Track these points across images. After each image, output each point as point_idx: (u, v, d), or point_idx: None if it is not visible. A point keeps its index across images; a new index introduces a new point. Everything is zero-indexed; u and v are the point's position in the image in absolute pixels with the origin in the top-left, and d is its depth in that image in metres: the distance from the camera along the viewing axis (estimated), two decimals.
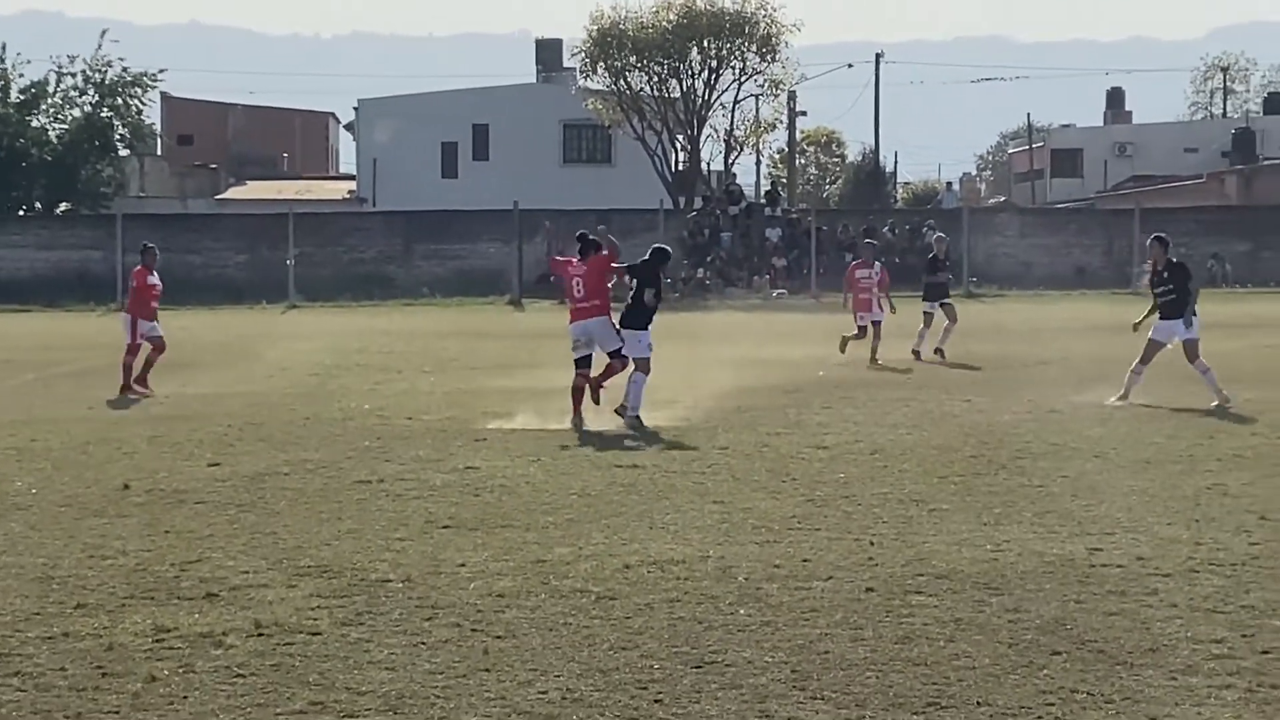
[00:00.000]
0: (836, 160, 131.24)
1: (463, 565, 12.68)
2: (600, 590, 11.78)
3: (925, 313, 32.49)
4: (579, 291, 22.46)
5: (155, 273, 28.29)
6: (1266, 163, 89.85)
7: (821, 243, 65.71)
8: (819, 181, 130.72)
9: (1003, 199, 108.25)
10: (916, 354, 31.54)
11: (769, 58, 73.39)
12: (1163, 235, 24.82)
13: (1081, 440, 19.43)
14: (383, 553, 13.21)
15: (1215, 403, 22.59)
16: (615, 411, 21.79)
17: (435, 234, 68.72)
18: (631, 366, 22.07)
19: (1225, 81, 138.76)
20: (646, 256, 22.94)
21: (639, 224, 67.98)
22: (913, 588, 11.76)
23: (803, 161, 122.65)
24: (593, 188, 77.68)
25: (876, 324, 31.57)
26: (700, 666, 9.82)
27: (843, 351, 30.92)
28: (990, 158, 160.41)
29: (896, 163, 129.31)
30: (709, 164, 78.02)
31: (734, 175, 77.57)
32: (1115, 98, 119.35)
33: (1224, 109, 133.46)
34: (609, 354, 22.36)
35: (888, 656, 9.98)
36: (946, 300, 32.77)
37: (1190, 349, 23.47)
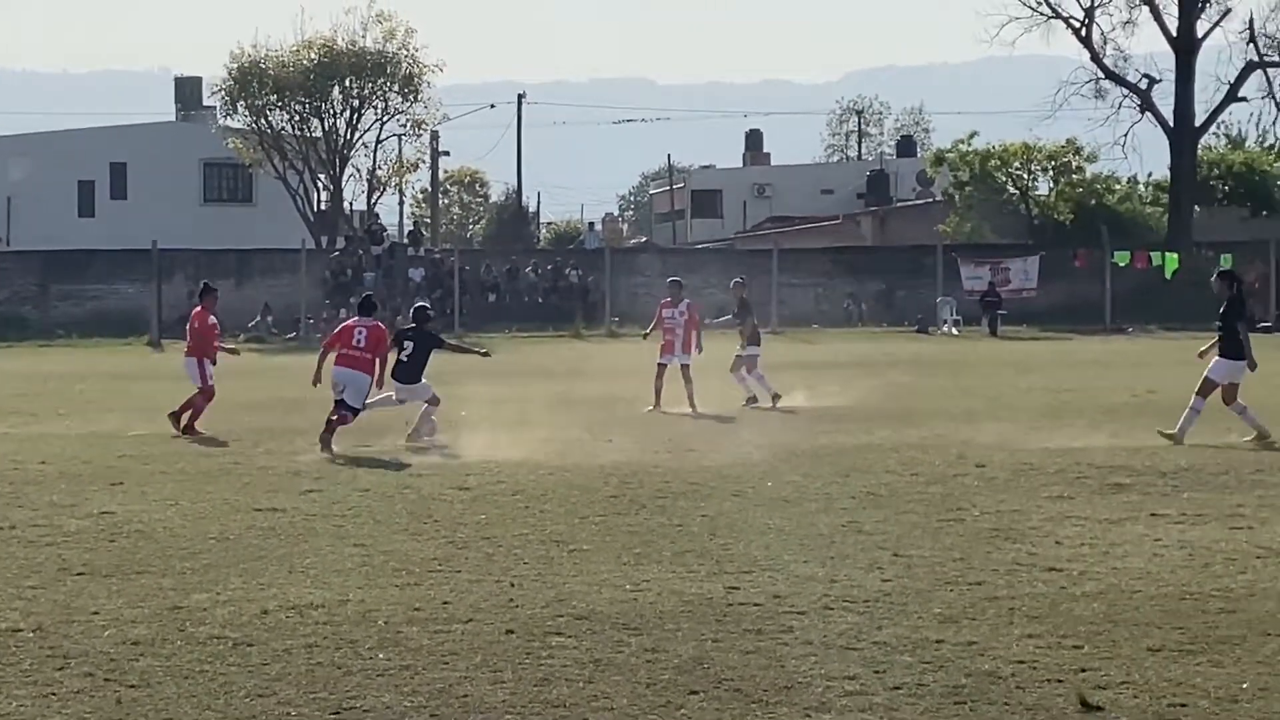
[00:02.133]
0: (480, 200, 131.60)
1: (96, 613, 12.33)
2: (238, 636, 11.55)
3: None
4: (359, 340, 24.04)
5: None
6: (900, 204, 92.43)
7: (465, 283, 65.73)
8: (462, 221, 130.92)
9: (644, 239, 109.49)
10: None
11: (411, 97, 73.31)
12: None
13: (720, 479, 19.65)
14: (13, 601, 12.79)
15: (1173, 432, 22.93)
16: (408, 440, 23.83)
17: (72, 274, 67.22)
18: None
19: (860, 124, 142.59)
20: (412, 322, 25.21)
21: (281, 264, 67.38)
22: (552, 629, 11.75)
23: (446, 201, 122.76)
24: (234, 227, 76.73)
25: (685, 367, 30.20)
26: (338, 712, 9.67)
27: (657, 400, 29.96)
28: (632, 198, 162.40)
29: (539, 203, 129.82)
30: (351, 203, 77.63)
31: (377, 215, 77.24)
32: (753, 139, 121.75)
33: (859, 151, 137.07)
34: (346, 406, 23.76)
35: (527, 699, 9.95)
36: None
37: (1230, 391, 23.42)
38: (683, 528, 16.17)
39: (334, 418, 23.56)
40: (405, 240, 76.07)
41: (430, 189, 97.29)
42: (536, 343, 56.76)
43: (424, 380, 24.91)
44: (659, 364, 30.33)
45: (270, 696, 10.02)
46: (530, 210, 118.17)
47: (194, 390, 26.59)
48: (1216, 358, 23.59)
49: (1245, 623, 11.79)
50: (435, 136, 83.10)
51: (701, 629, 11.73)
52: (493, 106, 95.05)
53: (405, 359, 24.83)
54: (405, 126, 74.96)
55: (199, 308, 27.61)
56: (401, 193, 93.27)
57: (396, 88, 72.82)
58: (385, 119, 73.39)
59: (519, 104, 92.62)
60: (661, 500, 18.01)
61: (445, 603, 12.65)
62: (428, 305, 26.59)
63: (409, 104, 73.67)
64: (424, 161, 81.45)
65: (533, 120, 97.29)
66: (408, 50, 72.89)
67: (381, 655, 11.00)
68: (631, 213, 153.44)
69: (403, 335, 25.37)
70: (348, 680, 10.38)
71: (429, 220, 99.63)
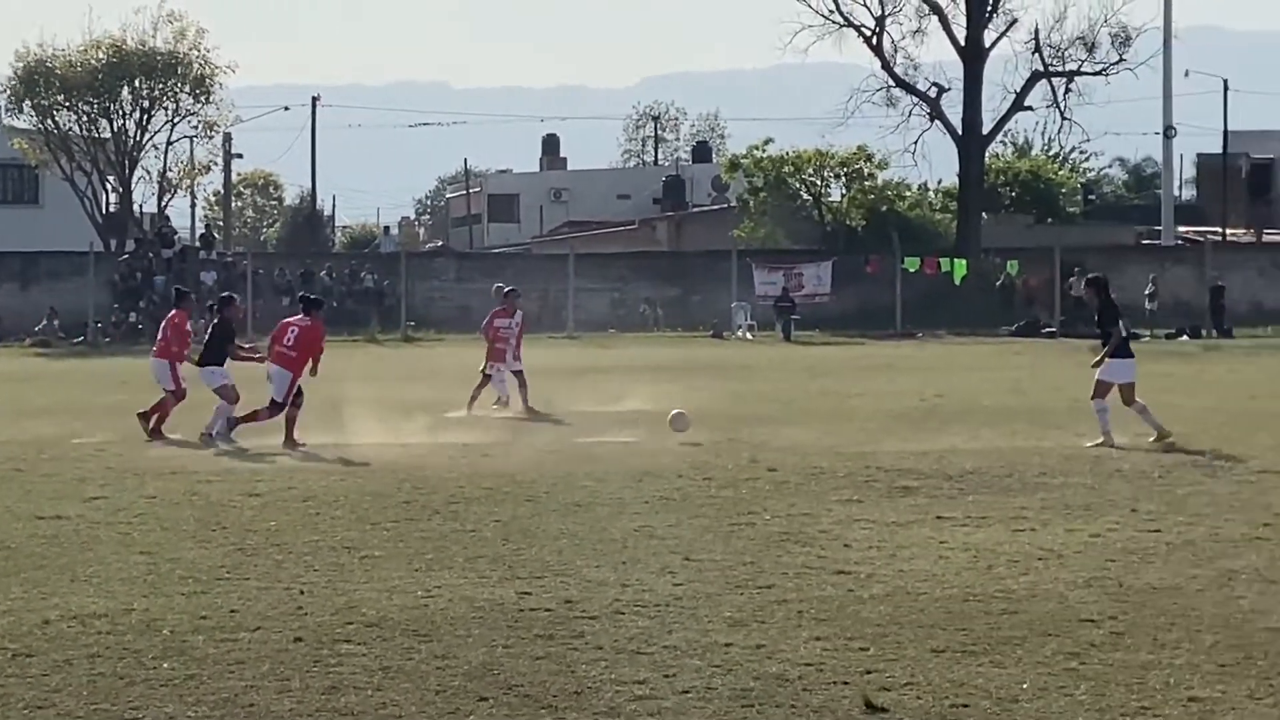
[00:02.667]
0: (274, 203, 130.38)
1: None
2: (17, 648, 11.33)
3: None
4: (289, 340, 24.70)
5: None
6: (696, 210, 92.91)
7: (258, 286, 65.08)
8: (256, 224, 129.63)
9: (441, 243, 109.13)
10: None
11: (203, 99, 72.34)
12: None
13: (514, 484, 19.62)
14: None
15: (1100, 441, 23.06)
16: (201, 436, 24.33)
17: None
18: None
19: (656, 130, 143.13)
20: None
21: (68, 267, 66.28)
22: (342, 636, 11.66)
23: (239, 204, 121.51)
24: (19, 229, 75.20)
25: (519, 373, 30.13)
26: None
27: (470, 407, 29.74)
28: (429, 202, 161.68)
29: (335, 206, 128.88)
30: (142, 206, 76.50)
31: (167, 218, 76.10)
32: (550, 144, 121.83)
33: (655, 157, 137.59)
34: (270, 401, 24.44)
35: (314, 707, 9.86)
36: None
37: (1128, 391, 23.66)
38: (475, 533, 16.13)
39: (260, 412, 24.51)
40: (197, 243, 75.07)
41: (223, 191, 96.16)
42: (331, 347, 56.21)
43: (216, 368, 25.23)
44: (485, 373, 30.31)
45: (50, 708, 9.85)
46: (325, 213, 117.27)
47: (165, 393, 26.21)
48: (1107, 360, 23.89)
49: (1026, 624, 11.99)
50: (228, 138, 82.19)
51: (492, 635, 11.71)
52: (286, 109, 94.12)
53: (207, 340, 25.72)
54: (197, 128, 74.04)
55: (178, 311, 27.21)
56: (193, 195, 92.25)
57: (188, 89, 71.84)
58: (176, 120, 72.40)
59: (313, 106, 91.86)
60: (455, 505, 17.95)
61: (233, 611, 12.51)
62: (233, 295, 27.87)
63: (200, 105, 72.74)
64: (216, 164, 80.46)
65: (328, 123, 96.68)
66: (199, 51, 71.94)
67: (166, 665, 10.86)
68: (428, 217, 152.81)
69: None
70: (130, 691, 10.23)
71: (221, 223, 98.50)
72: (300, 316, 25.20)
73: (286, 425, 24.18)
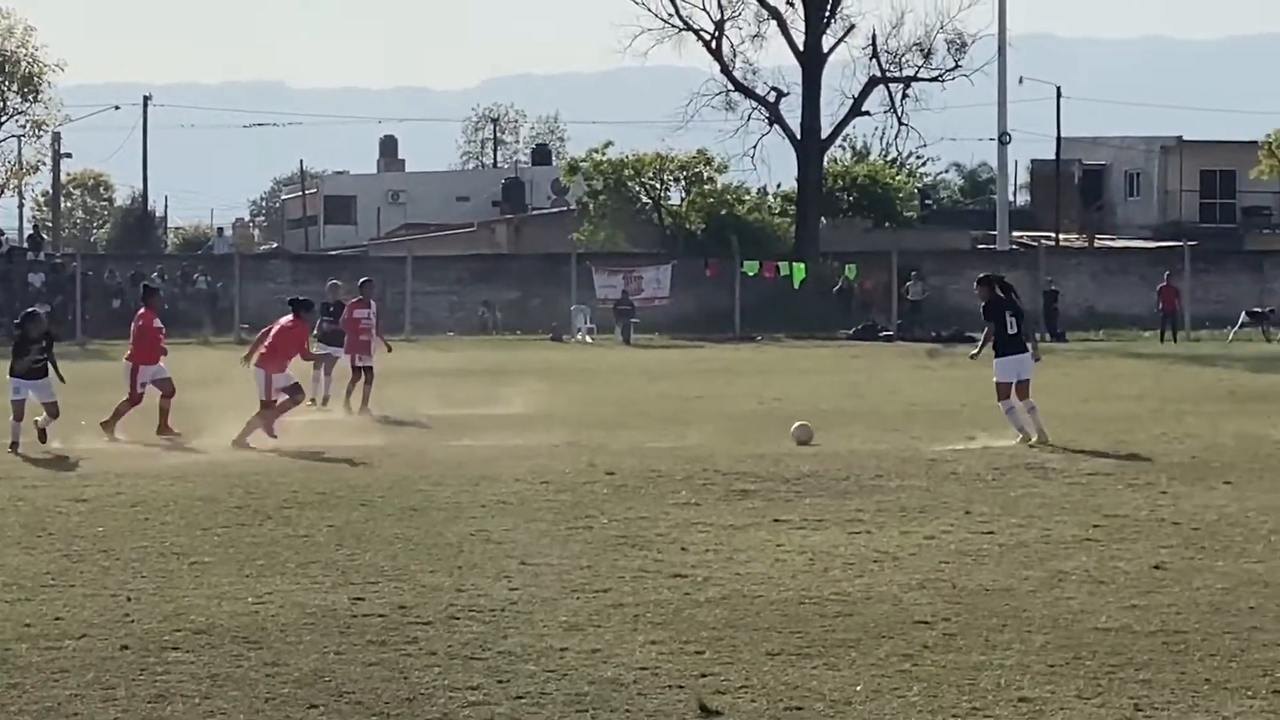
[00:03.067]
0: (104, 204, 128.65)
1: None
2: None
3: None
4: (269, 340, 25.16)
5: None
6: (535, 212, 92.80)
7: (88, 288, 64.12)
8: (86, 225, 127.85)
9: (276, 245, 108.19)
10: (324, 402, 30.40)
11: (31, 97, 71.32)
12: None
13: (348, 488, 19.43)
14: None
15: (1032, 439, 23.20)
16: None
17: None
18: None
19: (496, 132, 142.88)
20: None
21: None
22: (170, 644, 11.47)
23: (69, 205, 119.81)
24: None
25: (369, 369, 30.14)
26: None
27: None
28: (264, 203, 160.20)
29: (167, 207, 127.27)
30: None
31: None
32: (388, 145, 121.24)
33: (495, 159, 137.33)
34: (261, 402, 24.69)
35: (140, 716, 9.70)
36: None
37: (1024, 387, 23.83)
38: (308, 538, 15.95)
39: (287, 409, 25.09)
40: (24, 244, 73.87)
41: (51, 192, 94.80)
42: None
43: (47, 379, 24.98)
44: (355, 369, 30.22)
45: None
46: (157, 214, 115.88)
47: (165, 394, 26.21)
48: (994, 359, 24.17)
49: (861, 626, 12.02)
50: (57, 138, 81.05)
51: (324, 641, 11.56)
52: (117, 108, 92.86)
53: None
54: (25, 127, 72.98)
55: (144, 309, 26.80)
56: (21, 196, 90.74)
57: (15, 87, 70.77)
58: (3, 119, 71.29)
59: (145, 106, 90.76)
60: (287, 510, 17.75)
61: (58, 618, 12.28)
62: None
63: (29, 104, 71.72)
64: (45, 164, 79.45)
65: (160, 122, 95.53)
66: (27, 49, 70.93)
67: None
68: (263, 218, 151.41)
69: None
70: None
71: (50, 224, 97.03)
72: (288, 318, 25.38)
73: (160, 415, 24.88)
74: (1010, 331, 24.14)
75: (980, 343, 24.92)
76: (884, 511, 17.54)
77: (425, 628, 12.00)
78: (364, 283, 32.14)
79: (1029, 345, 24.51)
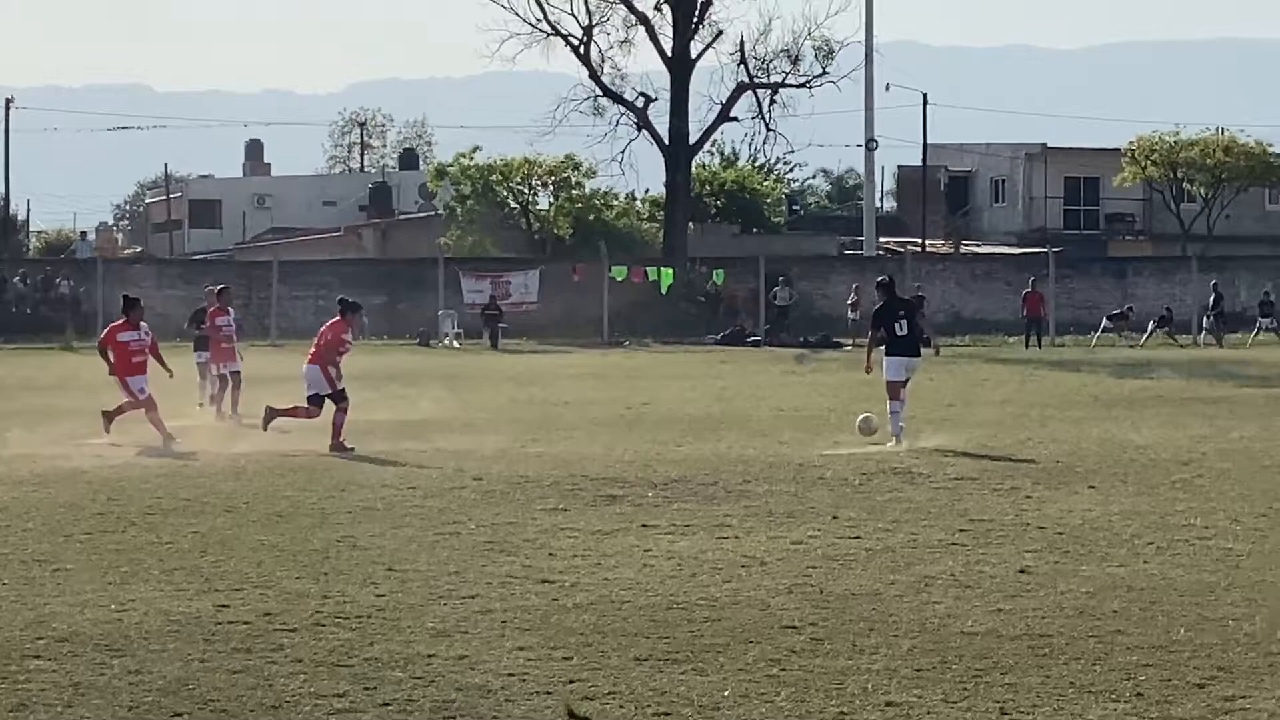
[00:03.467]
0: None
1: None
2: None
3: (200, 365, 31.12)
4: (317, 341, 25.62)
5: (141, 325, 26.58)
6: (402, 217, 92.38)
7: None
8: None
9: (140, 249, 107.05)
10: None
11: None
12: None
13: (213, 495, 19.26)
14: None
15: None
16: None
17: None
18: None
19: (363, 136, 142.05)
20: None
21: None
22: (31, 652, 11.32)
23: None
24: None
25: (236, 374, 30.09)
26: None
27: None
28: (128, 207, 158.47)
29: (29, 211, 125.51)
30: None
31: None
32: (254, 149, 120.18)
33: (361, 163, 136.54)
34: (307, 399, 25.05)
35: None
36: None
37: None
38: (173, 545, 15.79)
39: (278, 410, 25.52)
40: None
41: None
42: (27, 355, 54.88)
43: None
44: (219, 376, 30.10)
45: None
46: (19, 218, 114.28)
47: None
48: (885, 358, 24.72)
49: (729, 631, 12.05)
50: None
51: (188, 649, 11.45)
52: None
53: None
54: None
55: (123, 320, 26.42)
56: None
57: None
58: None
59: (6, 109, 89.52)
60: (151, 517, 17.56)
61: None
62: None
63: None
64: None
65: (22, 125, 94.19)
66: None
67: None
68: (127, 222, 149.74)
69: None
70: None
71: None
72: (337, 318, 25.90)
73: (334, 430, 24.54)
74: (900, 333, 24.61)
75: (868, 350, 25.53)
76: (751, 516, 17.60)
77: (291, 635, 11.91)
78: (220, 289, 32.07)
79: (925, 344, 25.24)
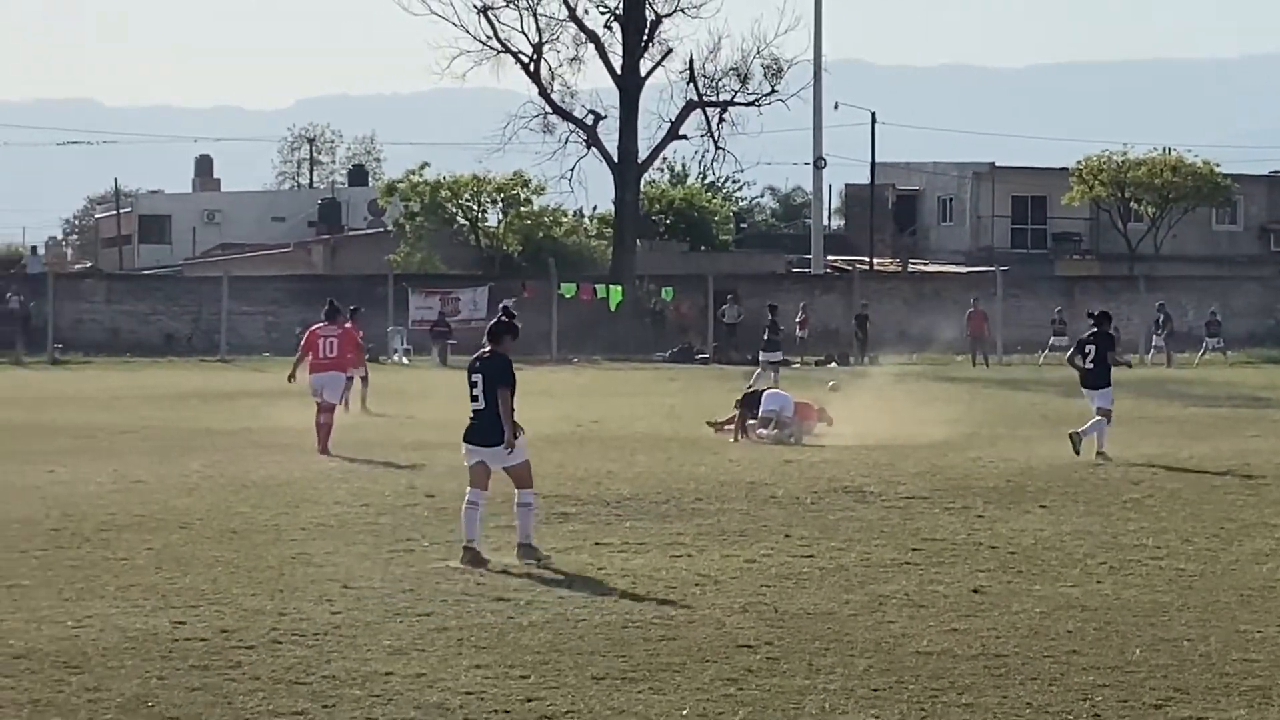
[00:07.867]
0: None
1: None
2: None
3: None
4: (327, 351, 26.78)
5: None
6: (352, 233, 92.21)
7: None
8: None
9: (89, 264, 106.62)
10: None
11: None
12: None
13: (168, 511, 19.23)
14: None
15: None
16: None
17: None
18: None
19: (312, 152, 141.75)
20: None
21: None
22: None
23: None
24: None
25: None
26: None
27: None
28: (77, 222, 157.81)
29: None
30: None
31: None
32: (203, 165, 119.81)
33: (311, 179, 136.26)
34: (326, 405, 26.07)
35: None
36: None
37: None
38: (128, 561, 15.77)
39: (320, 421, 25.93)
40: None
41: None
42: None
43: None
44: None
45: None
46: None
47: None
48: None
49: (685, 649, 12.10)
50: None
51: (146, 666, 11.45)
52: None
53: None
54: None
55: (350, 324, 28.75)
56: None
57: None
58: None
59: None
60: (106, 533, 17.53)
61: None
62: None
63: None
64: None
65: None
66: None
67: None
68: (76, 237, 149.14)
69: None
70: None
71: None
72: (328, 325, 27.30)
73: (319, 433, 25.63)
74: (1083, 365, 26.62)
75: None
76: (705, 535, 17.66)
77: (248, 652, 11.92)
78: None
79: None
